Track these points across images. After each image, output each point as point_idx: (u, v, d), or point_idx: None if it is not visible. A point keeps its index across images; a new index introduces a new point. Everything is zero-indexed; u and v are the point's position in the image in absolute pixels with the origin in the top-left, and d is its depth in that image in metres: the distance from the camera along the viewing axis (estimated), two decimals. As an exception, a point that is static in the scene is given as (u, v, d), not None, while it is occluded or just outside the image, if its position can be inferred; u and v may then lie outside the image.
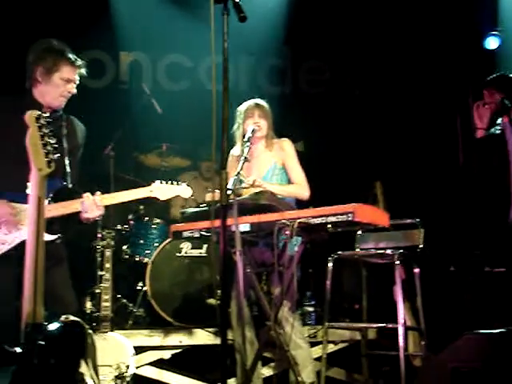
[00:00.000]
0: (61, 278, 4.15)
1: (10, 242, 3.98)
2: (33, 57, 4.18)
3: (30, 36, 4.73)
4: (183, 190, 4.34)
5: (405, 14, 7.27)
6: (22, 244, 3.92)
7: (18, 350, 2.86)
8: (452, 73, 7.10)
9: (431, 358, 4.14)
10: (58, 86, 4.15)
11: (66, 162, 4.18)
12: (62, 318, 3.02)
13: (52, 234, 3.88)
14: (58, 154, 3.14)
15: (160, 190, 4.26)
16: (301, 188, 5.09)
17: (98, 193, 4.12)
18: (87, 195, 4.08)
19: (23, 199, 3.92)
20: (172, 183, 4.30)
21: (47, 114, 3.17)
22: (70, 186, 4.19)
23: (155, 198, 4.27)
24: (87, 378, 3.08)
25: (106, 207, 4.26)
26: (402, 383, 4.79)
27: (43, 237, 3.05)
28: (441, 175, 6.99)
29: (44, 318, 2.97)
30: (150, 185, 4.25)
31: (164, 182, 4.29)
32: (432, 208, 6.67)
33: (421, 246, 5.27)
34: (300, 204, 4.97)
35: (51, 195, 3.92)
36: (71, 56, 4.20)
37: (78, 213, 4.08)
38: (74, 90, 4.25)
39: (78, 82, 4.26)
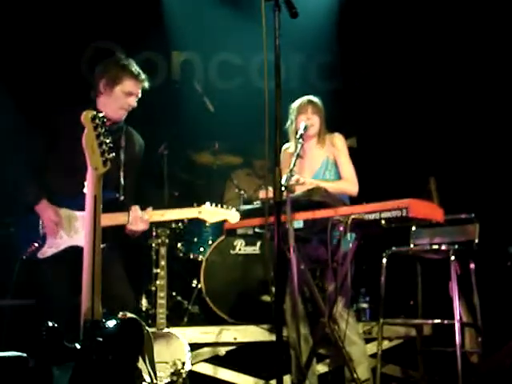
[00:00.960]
0: (116, 278, 4.22)
1: (57, 247, 4.08)
2: (98, 68, 4.26)
3: (85, 41, 4.79)
4: (231, 215, 4.40)
5: (463, 8, 7.17)
6: (70, 248, 4.03)
7: (78, 346, 2.90)
8: (508, 66, 6.98)
9: (490, 354, 4.10)
10: (119, 98, 4.21)
11: (121, 173, 4.24)
12: (120, 314, 3.06)
13: None
14: (113, 154, 3.17)
15: (208, 213, 4.34)
16: (349, 184, 5.04)
17: (150, 208, 4.19)
18: (135, 208, 4.15)
19: (73, 205, 4.01)
20: (222, 207, 4.37)
21: (102, 114, 3.21)
22: (122, 198, 4.26)
23: (203, 219, 4.34)
24: (144, 374, 3.12)
25: (162, 205, 4.33)
26: (459, 380, 4.74)
27: (100, 234, 3.08)
28: (496, 169, 6.89)
29: (102, 316, 3.01)
30: (199, 206, 4.33)
31: (214, 204, 4.36)
32: (487, 202, 6.57)
33: (476, 240, 5.21)
34: (353, 200, 4.94)
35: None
36: (134, 70, 4.25)
37: (125, 225, 4.16)
38: (135, 104, 4.29)
39: (140, 96, 4.31)
